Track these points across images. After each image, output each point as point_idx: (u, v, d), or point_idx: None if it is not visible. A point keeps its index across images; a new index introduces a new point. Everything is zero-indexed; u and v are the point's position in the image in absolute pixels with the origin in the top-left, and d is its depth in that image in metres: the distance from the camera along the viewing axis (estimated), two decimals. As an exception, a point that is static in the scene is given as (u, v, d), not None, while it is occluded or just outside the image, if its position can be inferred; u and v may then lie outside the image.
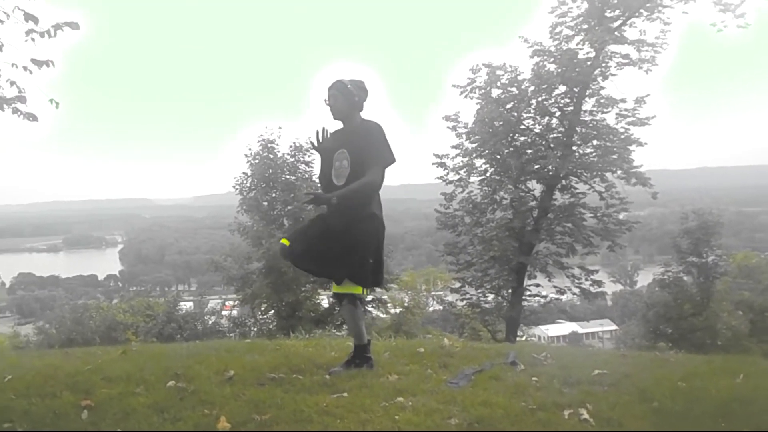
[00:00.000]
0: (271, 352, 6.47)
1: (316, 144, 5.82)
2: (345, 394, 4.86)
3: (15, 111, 6.28)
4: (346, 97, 5.68)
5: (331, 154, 5.75)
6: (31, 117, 6.31)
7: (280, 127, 26.52)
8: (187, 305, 30.92)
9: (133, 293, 55.71)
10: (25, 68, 6.09)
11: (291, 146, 26.36)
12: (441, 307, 33.96)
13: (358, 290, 5.65)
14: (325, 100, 5.75)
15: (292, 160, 26.20)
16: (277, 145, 26.26)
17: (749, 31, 21.25)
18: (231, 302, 32.28)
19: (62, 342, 21.95)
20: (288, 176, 25.96)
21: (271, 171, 25.77)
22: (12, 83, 6.25)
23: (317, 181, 25.43)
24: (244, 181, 26.17)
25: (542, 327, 51.10)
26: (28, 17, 5.99)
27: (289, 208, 25.97)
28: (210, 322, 26.21)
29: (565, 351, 6.58)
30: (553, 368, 5.73)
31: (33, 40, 6.06)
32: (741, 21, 21.37)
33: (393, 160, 5.66)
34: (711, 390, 5.00)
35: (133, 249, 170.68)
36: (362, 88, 5.77)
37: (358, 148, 5.63)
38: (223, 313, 29.64)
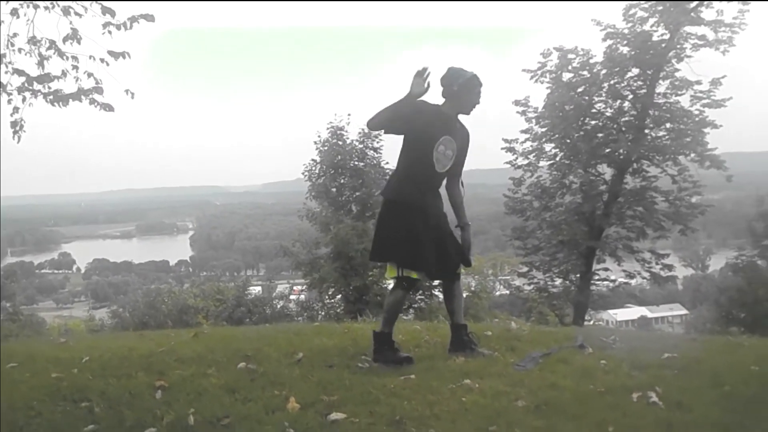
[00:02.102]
0: (339, 335, 6.54)
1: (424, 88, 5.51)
2: (412, 376, 4.92)
3: (92, 102, 6.45)
4: None
5: (435, 136, 5.59)
6: (108, 107, 6.48)
7: (349, 114, 26.60)
8: (255, 290, 31.28)
9: (204, 278, 56.57)
10: (102, 60, 6.25)
11: (360, 133, 26.45)
12: (508, 292, 33.80)
13: (392, 273, 5.66)
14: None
15: (361, 146, 26.27)
16: (347, 132, 26.39)
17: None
18: (299, 287, 32.55)
19: (136, 325, 22.42)
20: (356, 162, 26.06)
21: (339, 157, 25.88)
22: (89, 75, 6.42)
23: (387, 167, 25.65)
24: (313, 168, 26.34)
25: (610, 311, 50.33)
26: (105, 10, 6.14)
27: (358, 194, 26.08)
28: (278, 307, 26.51)
29: (633, 335, 6.53)
30: (622, 352, 5.69)
31: (110, 32, 6.22)
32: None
33: None
34: (785, 375, 4.90)
35: (204, 235, 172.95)
36: None
37: (461, 148, 5.72)
38: (291, 297, 29.91)
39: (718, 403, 4.31)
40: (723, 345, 6.31)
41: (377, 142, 26.23)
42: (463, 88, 5.62)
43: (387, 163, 26.33)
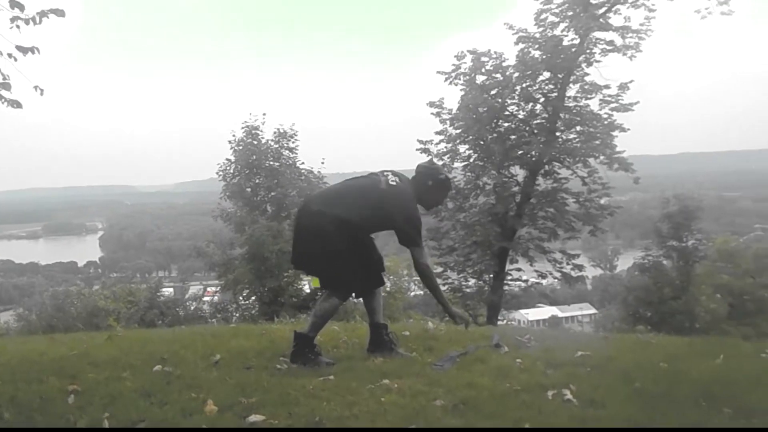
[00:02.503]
0: (257, 337, 6.51)
1: None
2: (331, 377, 4.92)
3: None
4: None
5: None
6: (16, 104, 6.28)
7: (264, 114, 26.48)
8: (168, 291, 30.85)
9: (114, 280, 55.42)
10: (9, 55, 6.06)
11: (275, 132, 26.36)
12: (422, 292, 34.03)
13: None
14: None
15: (276, 146, 26.20)
16: (262, 131, 26.27)
17: (734, 18, 21.46)
18: (213, 288, 32.23)
19: (43, 328, 21.79)
20: (272, 162, 25.98)
21: (255, 157, 25.76)
22: (-5, 71, 6.21)
23: (302, 167, 25.58)
24: (228, 168, 26.19)
25: (522, 311, 51.28)
26: (14, 4, 5.95)
27: (273, 194, 25.99)
28: (192, 308, 26.19)
29: (547, 333, 6.67)
30: (537, 350, 5.82)
31: (18, 27, 6.03)
32: (725, 8, 21.72)
33: None
34: (692, 372, 5.07)
35: (114, 236, 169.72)
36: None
37: None
38: (205, 299, 29.60)
39: (629, 400, 4.44)
40: (633, 343, 6.51)
41: (293, 142, 26.21)
42: (434, 188, 5.80)
43: (302, 163, 26.31)
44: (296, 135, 26.64)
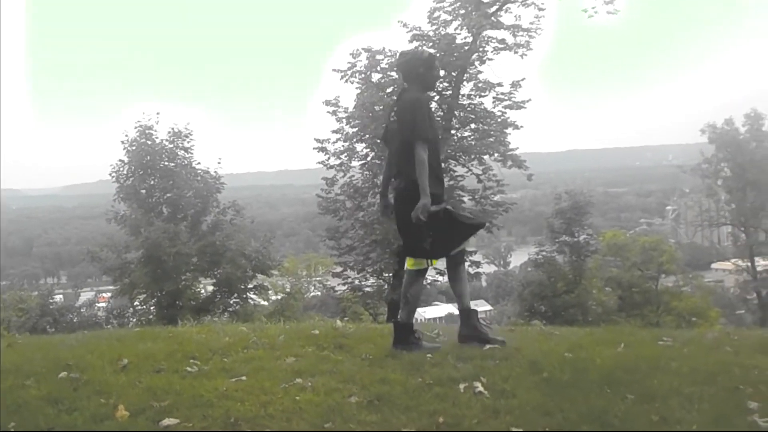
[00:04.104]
0: (164, 340, 6.37)
1: None
2: (244, 378, 4.89)
3: None
4: None
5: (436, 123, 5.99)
6: None
7: (158, 113, 25.92)
8: (57, 298, 29.98)
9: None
10: None
11: (170, 132, 25.84)
12: (320, 293, 34.08)
13: (419, 264, 5.96)
14: None
15: (171, 146, 25.70)
16: (155, 131, 25.71)
17: (619, 18, 22.13)
18: (107, 293, 31.46)
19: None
20: (167, 163, 25.48)
21: (149, 158, 25.19)
22: None
23: (198, 167, 25.18)
24: (121, 169, 25.51)
25: (420, 309, 51.77)
26: None
27: (168, 195, 25.50)
28: (86, 314, 25.52)
29: (455, 329, 6.74)
30: (446, 345, 5.90)
31: None
32: (611, 7, 22.42)
33: None
34: (596, 359, 5.26)
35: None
36: None
37: None
38: (99, 304, 28.89)
39: (538, 388, 4.60)
40: (537, 334, 6.66)
41: (188, 142, 25.77)
42: (428, 67, 5.95)
43: (198, 163, 25.90)
44: (191, 134, 26.20)
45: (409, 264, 5.98)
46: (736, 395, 4.46)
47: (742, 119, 39.50)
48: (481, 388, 4.56)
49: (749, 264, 40.12)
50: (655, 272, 33.62)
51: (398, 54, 5.99)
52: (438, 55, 22.77)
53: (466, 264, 21.36)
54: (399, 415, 4.16)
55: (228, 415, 4.13)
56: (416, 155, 5.57)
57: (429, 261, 5.93)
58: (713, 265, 63.63)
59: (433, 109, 23.21)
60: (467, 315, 5.97)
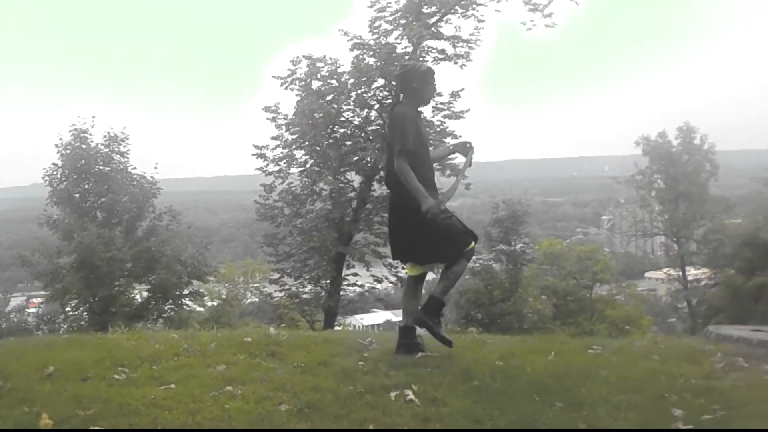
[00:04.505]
0: (93, 347, 6.24)
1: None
2: (173, 386, 4.82)
3: None
4: None
5: (426, 137, 6.16)
6: None
7: (93, 116, 25.49)
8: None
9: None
10: None
11: (105, 136, 25.43)
12: (257, 299, 33.85)
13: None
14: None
15: (106, 150, 25.28)
16: (91, 134, 25.27)
17: (558, 31, 22.48)
18: (37, 299, 30.81)
19: None
20: (102, 167, 25.04)
21: (83, 161, 24.75)
22: None
23: (134, 172, 24.81)
24: (55, 172, 25.00)
25: (357, 316, 51.72)
26: None
27: (103, 200, 25.10)
28: (15, 320, 24.95)
29: (389, 337, 6.77)
30: (379, 353, 5.91)
31: None
32: (549, 20, 22.77)
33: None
34: (527, 367, 5.34)
35: None
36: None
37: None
38: (29, 310, 28.29)
39: (469, 396, 4.64)
40: (470, 342, 6.71)
41: (124, 146, 25.38)
42: (422, 82, 5.99)
43: (134, 167, 25.54)
44: (128, 139, 25.83)
45: (408, 271, 6.21)
46: (661, 403, 4.55)
47: (675, 132, 40.40)
48: (412, 396, 4.58)
49: (680, 273, 41.02)
50: (589, 281, 34.19)
51: (398, 65, 6.11)
52: (378, 64, 22.90)
53: (403, 271, 21.44)
54: (329, 423, 4.17)
55: (155, 424, 4.08)
56: (396, 168, 5.73)
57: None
58: (647, 274, 64.88)
59: (372, 118, 23.45)
60: (433, 303, 5.98)
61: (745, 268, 30.73)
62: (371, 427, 4.10)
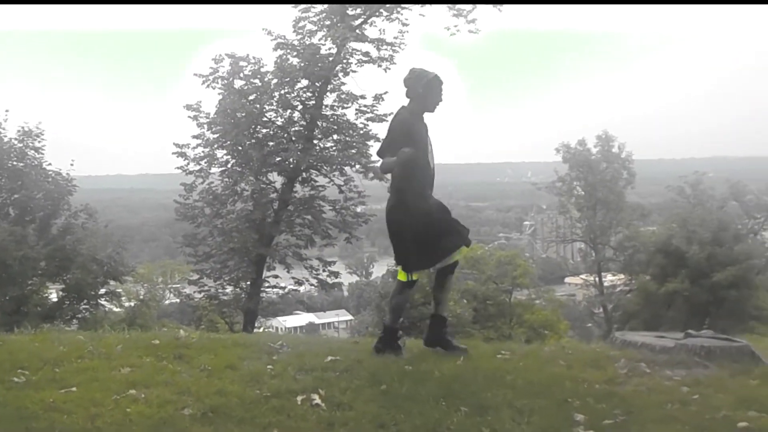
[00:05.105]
0: (-7, 348, 6.07)
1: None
2: (74, 389, 4.72)
3: None
4: None
5: (427, 142, 6.15)
6: None
7: (7, 110, 24.75)
8: None
9: None
10: None
11: (19, 131, 24.71)
12: (178, 300, 33.39)
13: (402, 276, 6.14)
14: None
15: (20, 145, 24.57)
16: (4, 129, 24.54)
17: (481, 37, 22.77)
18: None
19: None
20: (15, 163, 24.32)
21: (-6, 157, 24.03)
22: None
23: (50, 168, 24.17)
24: (-36, 168, 24.21)
25: (280, 318, 51.41)
26: None
27: (16, 196, 24.34)
28: None
29: (301, 340, 6.77)
30: (289, 356, 5.86)
31: None
32: (473, 26, 23.08)
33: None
34: (435, 372, 5.37)
35: None
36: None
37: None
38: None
39: (375, 401, 4.65)
40: (382, 347, 6.70)
41: (39, 142, 24.70)
42: (428, 89, 6.09)
43: (49, 164, 24.87)
44: (43, 134, 25.14)
45: (399, 276, 6.21)
46: (564, 408, 4.63)
47: (594, 141, 41.12)
48: (318, 401, 4.57)
49: (597, 279, 41.79)
50: (509, 285, 34.59)
51: (409, 69, 6.14)
52: (302, 65, 22.84)
53: (324, 273, 21.47)
54: (232, 427, 4.14)
55: (52, 428, 3.99)
56: (381, 168, 6.33)
57: (411, 275, 6.10)
58: (566, 280, 65.86)
59: (295, 119, 23.36)
60: (437, 322, 6.33)
61: (659, 275, 31.55)
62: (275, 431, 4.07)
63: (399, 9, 23.09)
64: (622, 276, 40.03)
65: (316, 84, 23.53)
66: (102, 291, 24.70)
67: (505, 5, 21.62)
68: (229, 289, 25.02)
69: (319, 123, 23.83)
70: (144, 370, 5.29)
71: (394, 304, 6.28)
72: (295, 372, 5.28)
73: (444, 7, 22.39)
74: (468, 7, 22.27)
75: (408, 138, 5.94)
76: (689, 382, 5.29)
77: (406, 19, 23.35)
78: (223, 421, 4.22)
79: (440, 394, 4.75)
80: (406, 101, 6.20)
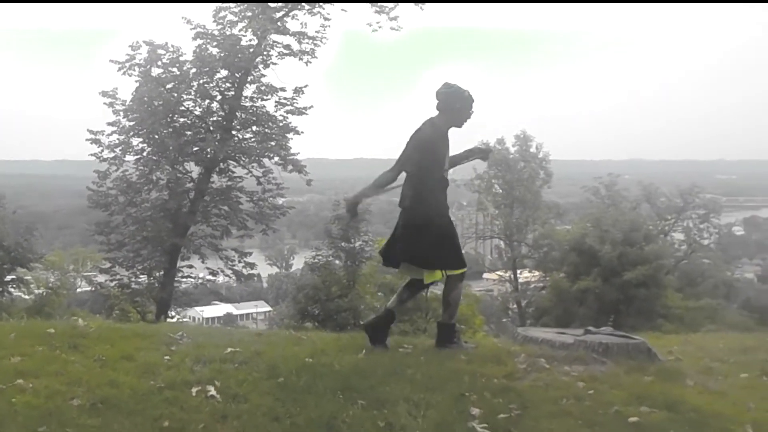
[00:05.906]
0: None
1: None
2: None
3: None
4: None
5: (446, 158, 6.40)
6: None
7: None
8: None
9: None
10: None
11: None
12: (90, 288, 32.73)
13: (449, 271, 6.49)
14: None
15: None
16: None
17: (403, 34, 22.95)
18: None
19: None
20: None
21: None
22: None
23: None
24: None
25: (197, 308, 50.90)
26: None
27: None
28: None
29: (202, 330, 6.71)
30: (188, 347, 5.78)
31: None
32: (394, 23, 23.24)
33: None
34: (335, 365, 5.38)
35: None
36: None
37: None
38: None
39: (271, 393, 4.64)
40: (285, 339, 6.67)
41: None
42: (464, 106, 6.19)
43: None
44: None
45: (449, 272, 6.42)
46: (461, 402, 4.70)
47: (512, 140, 41.68)
48: (213, 392, 4.54)
49: (512, 275, 42.44)
50: (425, 280, 34.78)
51: (443, 83, 6.11)
52: (222, 55, 22.64)
53: (240, 264, 21.35)
54: (122, 419, 4.07)
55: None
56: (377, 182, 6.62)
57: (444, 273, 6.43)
58: (484, 275, 66.69)
59: (214, 110, 23.13)
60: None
61: (572, 273, 32.15)
62: (166, 424, 4.02)
63: (321, 4, 23.10)
64: (536, 273, 40.64)
65: (236, 75, 23.33)
66: (9, 278, 24.07)
67: (427, 3, 21.88)
68: (142, 278, 24.65)
69: (238, 114, 23.66)
70: (35, 360, 5.15)
71: (454, 299, 6.57)
72: (192, 363, 5.21)
73: (367, 3, 22.54)
74: (390, 4, 22.43)
75: (426, 155, 6.13)
76: (586, 377, 5.42)
77: (328, 14, 23.38)
78: (112, 412, 4.15)
79: (338, 387, 4.75)
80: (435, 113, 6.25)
